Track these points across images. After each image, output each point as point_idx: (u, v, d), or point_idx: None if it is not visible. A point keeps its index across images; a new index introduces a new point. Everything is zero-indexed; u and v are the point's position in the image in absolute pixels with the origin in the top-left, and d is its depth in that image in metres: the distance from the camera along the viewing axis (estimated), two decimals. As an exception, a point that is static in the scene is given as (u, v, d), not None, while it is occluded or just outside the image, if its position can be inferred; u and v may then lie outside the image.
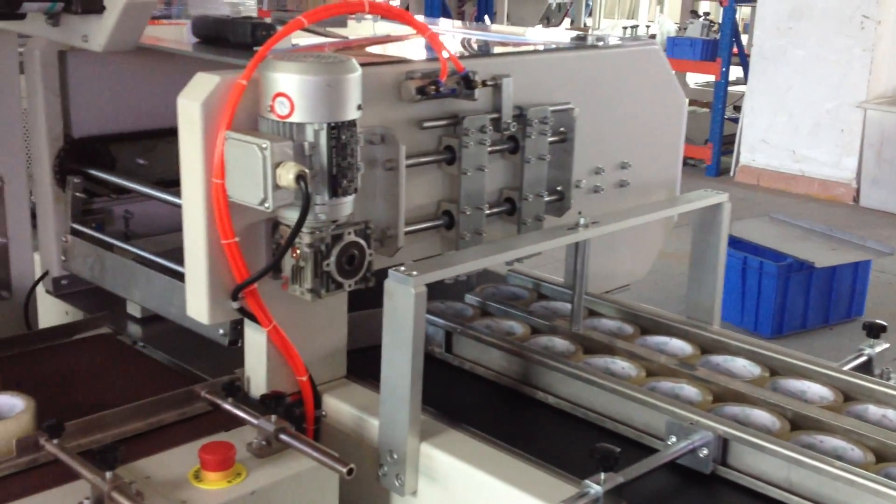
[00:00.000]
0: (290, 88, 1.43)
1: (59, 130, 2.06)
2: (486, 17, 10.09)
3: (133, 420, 1.56)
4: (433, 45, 1.68)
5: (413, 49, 2.11)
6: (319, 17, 1.57)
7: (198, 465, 1.43)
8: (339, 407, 1.66)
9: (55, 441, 1.43)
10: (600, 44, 2.05)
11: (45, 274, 2.13)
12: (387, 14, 1.66)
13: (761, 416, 1.54)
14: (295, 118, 1.44)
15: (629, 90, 2.08)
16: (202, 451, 1.43)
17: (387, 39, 2.19)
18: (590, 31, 2.12)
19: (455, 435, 1.54)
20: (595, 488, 1.29)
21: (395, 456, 1.51)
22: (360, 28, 2.34)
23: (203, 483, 1.42)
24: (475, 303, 2.03)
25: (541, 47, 2.13)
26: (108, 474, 1.33)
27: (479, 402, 1.73)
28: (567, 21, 14.20)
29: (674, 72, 2.22)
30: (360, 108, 1.50)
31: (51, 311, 2.15)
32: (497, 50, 2.09)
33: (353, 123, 1.49)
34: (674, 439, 1.46)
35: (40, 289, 2.15)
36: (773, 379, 1.69)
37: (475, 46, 2.28)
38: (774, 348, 1.77)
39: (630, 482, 1.33)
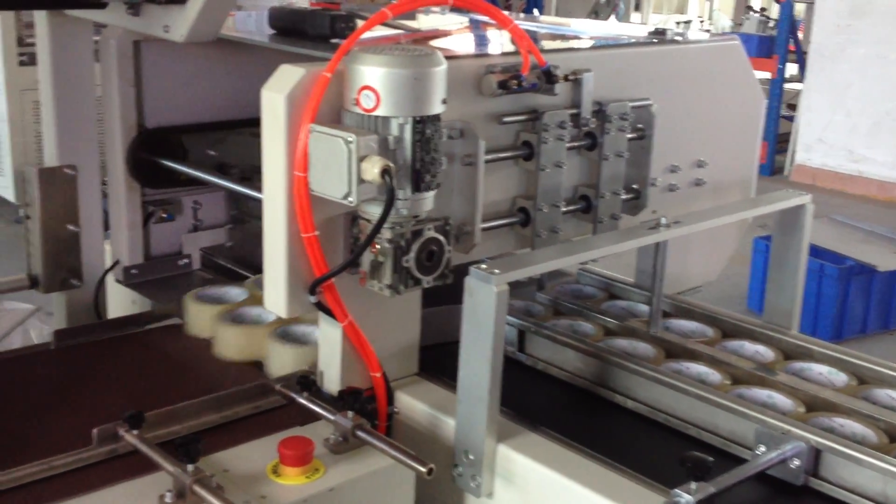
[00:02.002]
0: (376, 81, 1.41)
1: (132, 120, 2.07)
2: (535, 10, 10.02)
3: (209, 412, 1.56)
4: (516, 38, 1.65)
5: (475, 43, 2.09)
6: (404, 8, 1.55)
7: (276, 460, 1.43)
8: (412, 404, 1.64)
9: (135, 432, 1.43)
10: (680, 38, 2.01)
11: (116, 263, 2.14)
12: (471, 6, 1.63)
13: (854, 426, 1.49)
14: (380, 111, 1.42)
15: (708, 86, 2.04)
16: (281, 445, 1.42)
17: (464, 31, 2.16)
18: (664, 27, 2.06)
19: (533, 437, 1.51)
20: (686, 498, 1.25)
21: (472, 457, 1.48)
22: (426, 21, 2.32)
23: (281, 478, 1.41)
24: (546, 301, 2.00)
25: (619, 41, 2.08)
26: (190, 467, 1.32)
27: (553, 403, 1.70)
28: (614, 16, 14.07)
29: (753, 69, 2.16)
30: (444, 102, 1.47)
31: (120, 301, 2.16)
32: (578, 44, 2.05)
33: (437, 117, 1.46)
34: (763, 449, 1.42)
35: (110, 278, 2.16)
36: (863, 388, 1.64)
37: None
38: (860, 355, 1.72)
39: (720, 493, 1.29)
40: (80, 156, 2.07)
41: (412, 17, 2.28)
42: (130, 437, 1.43)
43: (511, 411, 1.56)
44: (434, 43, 1.97)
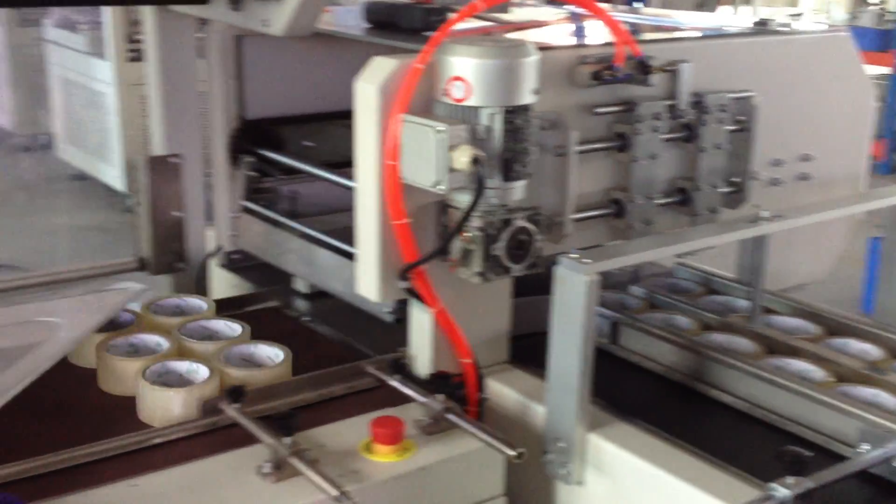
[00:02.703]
0: (467, 72, 1.45)
1: (233, 112, 2.16)
2: (639, 3, 9.87)
3: (305, 390, 1.62)
4: (611, 29, 1.66)
5: (570, 34, 2.09)
6: (495, 1, 1.57)
7: (368, 438, 1.48)
8: (502, 391, 1.67)
9: (236, 406, 1.51)
10: (784, 30, 1.98)
11: (219, 248, 2.24)
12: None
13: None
14: (471, 102, 1.45)
15: (814, 79, 2.00)
16: (374, 424, 1.47)
17: (543, 23, 2.18)
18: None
19: (625, 427, 1.52)
20: (782, 492, 1.24)
21: (562, 444, 1.50)
22: (521, 13, 2.34)
23: (374, 455, 1.46)
24: (642, 294, 1.99)
25: (716, 32, 2.07)
26: (288, 440, 1.39)
27: (647, 396, 1.70)
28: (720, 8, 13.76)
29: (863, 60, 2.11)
30: (535, 92, 1.50)
31: (221, 284, 2.26)
32: (674, 35, 2.05)
33: (528, 108, 1.49)
34: (867, 447, 1.40)
35: (212, 262, 2.25)
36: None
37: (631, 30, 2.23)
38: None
39: (819, 488, 1.27)
40: (184, 145, 2.16)
41: (505, 10, 2.31)
42: (231, 411, 1.50)
43: (603, 402, 1.57)
44: (527, 34, 2.00)
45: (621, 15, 2.36)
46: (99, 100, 6.29)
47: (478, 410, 1.65)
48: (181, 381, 1.59)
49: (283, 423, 1.40)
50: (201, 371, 1.60)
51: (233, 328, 1.80)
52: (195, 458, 1.45)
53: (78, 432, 1.50)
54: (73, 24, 6.39)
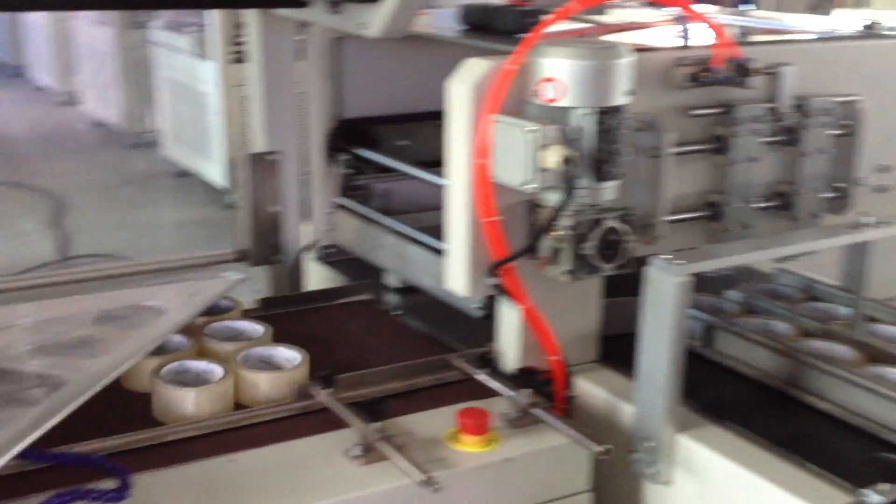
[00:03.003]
0: (558, 73, 1.47)
1: (331, 111, 2.23)
2: (750, 5, 9.69)
3: (394, 380, 1.67)
4: (710, 30, 1.67)
5: (669, 36, 2.09)
6: (591, 3, 1.60)
7: (454, 428, 1.52)
8: (590, 389, 1.68)
9: (327, 391, 1.56)
10: (893, 33, 1.94)
11: (314, 242, 2.31)
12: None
13: None
14: (563, 102, 1.48)
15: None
16: (460, 414, 1.51)
17: (644, 25, 2.18)
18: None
19: (714, 430, 1.52)
20: (875, 498, 1.23)
21: (651, 444, 1.51)
22: (620, 15, 2.35)
23: (459, 445, 1.50)
24: (738, 299, 1.97)
25: (821, 36, 2.04)
26: (376, 425, 1.44)
27: (739, 400, 1.68)
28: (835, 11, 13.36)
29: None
30: (629, 93, 1.51)
31: (315, 277, 2.33)
32: (776, 37, 2.03)
33: (621, 109, 1.51)
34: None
35: (307, 255, 2.33)
36: None
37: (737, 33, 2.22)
38: None
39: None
40: (283, 143, 2.25)
41: (603, 12, 2.32)
42: (322, 396, 1.56)
43: (695, 404, 1.57)
44: (623, 36, 2.01)
45: (729, 18, 2.35)
46: (203, 100, 6.51)
47: (566, 408, 1.67)
48: (197, 381, 1.60)
49: (373, 410, 1.45)
50: (216, 371, 1.62)
51: (256, 329, 1.81)
52: (288, 439, 1.51)
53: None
54: (180, 26, 6.63)
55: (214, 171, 6.57)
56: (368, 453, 1.44)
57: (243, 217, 2.22)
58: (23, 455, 1.32)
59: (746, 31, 2.26)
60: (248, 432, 1.54)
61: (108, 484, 1.32)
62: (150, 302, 1.85)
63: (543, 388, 1.63)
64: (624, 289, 1.68)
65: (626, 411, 1.58)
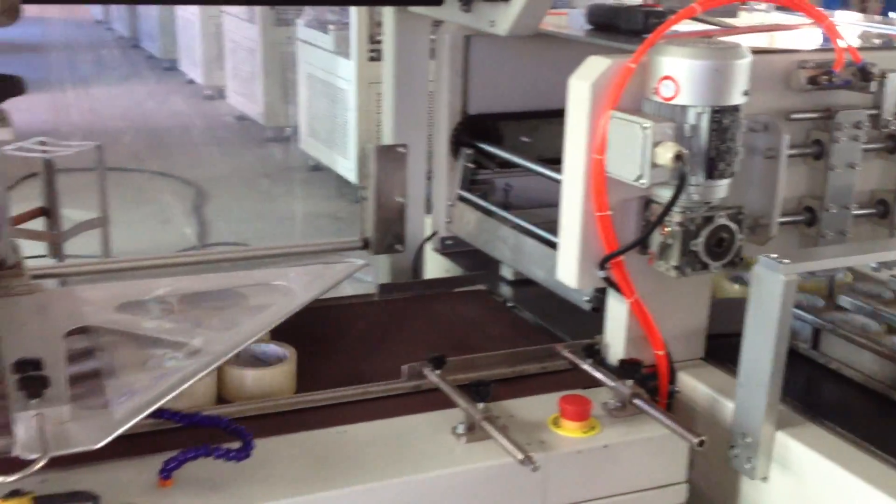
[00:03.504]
0: (677, 72, 1.50)
1: (457, 107, 2.30)
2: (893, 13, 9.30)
3: (501, 365, 1.73)
4: (829, 34, 1.66)
5: (801, 40, 2.07)
6: (713, 4, 1.62)
7: (556, 413, 1.57)
8: (694, 385, 1.70)
9: (437, 372, 1.64)
10: None
11: (434, 234, 2.40)
12: (784, 2, 1.67)
13: None
14: (679, 101, 1.51)
15: None
16: (562, 400, 1.56)
17: (775, 28, 2.17)
18: None
19: (815, 429, 1.52)
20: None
21: (749, 439, 1.53)
22: (749, 18, 2.34)
23: (560, 429, 1.55)
24: (847, 303, 1.95)
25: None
26: (481, 405, 1.50)
27: (842, 402, 1.68)
28: None
29: None
30: (746, 94, 1.53)
31: (434, 267, 2.42)
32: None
33: (736, 108, 1.52)
34: None
35: (428, 246, 2.42)
36: None
37: (876, 40, 2.18)
38: None
39: None
40: (411, 136, 2.34)
41: (734, 14, 2.31)
42: (433, 376, 1.64)
43: (797, 403, 1.58)
44: (745, 38, 2.00)
45: (869, 25, 2.31)
46: (340, 96, 6.73)
47: (668, 402, 1.70)
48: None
49: (478, 391, 1.51)
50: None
51: None
52: (398, 415, 1.59)
53: (297, 381, 1.69)
54: (323, 24, 6.88)
55: (347, 166, 6.78)
56: (472, 432, 1.51)
57: (369, 207, 2.32)
58: (158, 414, 1.44)
59: (888, 39, 2.22)
60: (360, 406, 1.63)
61: (232, 445, 1.43)
62: (277, 281, 1.97)
63: (647, 381, 1.65)
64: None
65: (728, 408, 1.59)
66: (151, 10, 11.82)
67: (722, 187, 1.56)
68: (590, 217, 1.62)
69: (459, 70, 2.27)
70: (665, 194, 1.55)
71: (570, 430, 1.54)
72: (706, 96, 1.49)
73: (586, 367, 1.71)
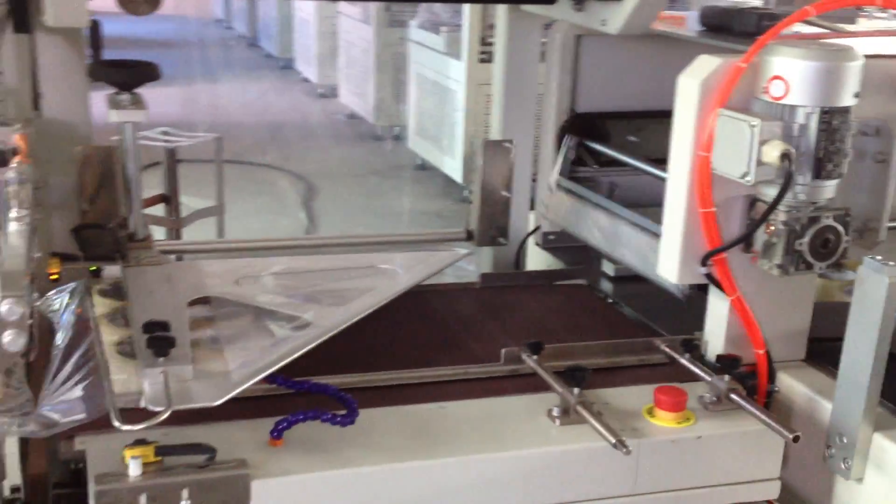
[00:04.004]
0: (787, 72, 1.51)
1: (565, 105, 2.35)
2: None
3: (598, 356, 1.77)
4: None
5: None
6: (828, 7, 1.62)
7: (651, 404, 1.60)
8: (793, 386, 1.70)
9: (534, 357, 1.69)
10: None
11: (537, 228, 2.44)
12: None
13: None
14: (788, 100, 1.52)
15: None
16: (658, 391, 1.58)
17: (888, 33, 2.14)
18: None
19: (911, 431, 1.51)
20: None
21: (845, 440, 1.53)
22: (868, 25, 2.31)
23: (655, 419, 1.57)
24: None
25: None
26: (576, 390, 1.54)
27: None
28: None
29: None
30: (856, 96, 1.53)
31: (535, 261, 2.46)
32: None
33: (846, 110, 1.52)
34: None
35: (530, 241, 2.47)
36: None
37: None
38: None
39: None
40: (518, 133, 2.39)
41: (853, 21, 2.29)
42: (530, 361, 1.69)
43: (894, 406, 1.57)
44: (860, 41, 1.99)
45: None
46: (449, 96, 6.84)
47: (766, 401, 1.70)
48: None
49: (575, 375, 1.55)
50: None
51: None
52: (495, 395, 1.65)
53: (401, 359, 1.76)
54: (436, 25, 7.00)
55: (453, 165, 6.88)
56: (567, 415, 1.56)
57: (475, 199, 2.38)
58: (271, 380, 1.53)
59: None
60: (458, 386, 1.69)
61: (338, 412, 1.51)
62: (385, 265, 2.05)
63: (745, 379, 1.66)
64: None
65: (826, 409, 1.59)
66: (270, 11, 12.21)
67: (829, 188, 1.56)
68: (693, 213, 1.64)
69: (569, 68, 2.31)
70: (771, 193, 1.56)
71: (664, 420, 1.57)
72: (816, 97, 1.50)
73: (684, 361, 1.73)
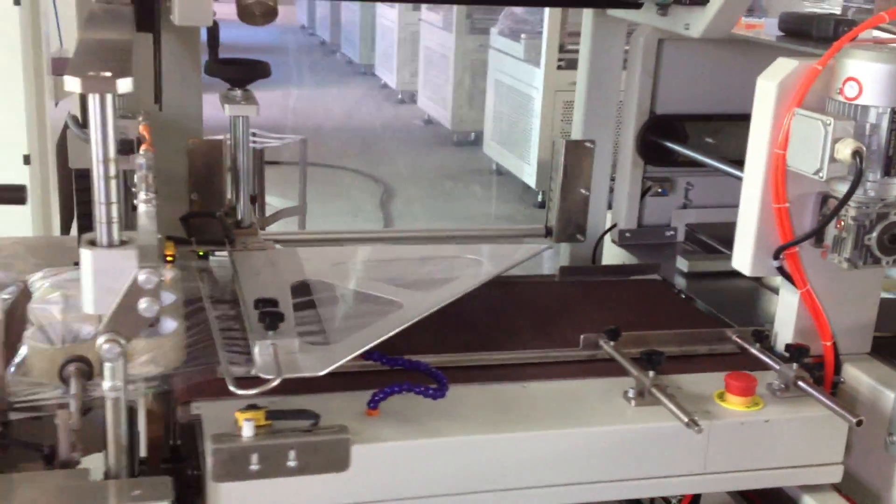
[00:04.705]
0: (861, 74, 1.59)
1: (646, 107, 2.44)
2: None
3: (671, 343, 1.85)
4: None
5: None
6: (900, 12, 1.69)
7: (722, 389, 1.68)
8: (858, 377, 1.77)
9: (612, 343, 1.79)
10: None
11: (614, 226, 2.54)
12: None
13: None
14: (861, 101, 1.59)
15: None
16: (728, 376, 1.67)
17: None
18: None
19: (973, 421, 1.58)
20: None
21: (907, 429, 1.60)
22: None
23: (725, 403, 1.66)
24: None
25: None
26: (651, 373, 1.64)
27: None
28: None
29: None
30: (927, 97, 1.60)
31: (612, 259, 2.56)
32: None
33: (917, 111, 1.60)
34: None
35: (607, 237, 2.56)
36: None
37: None
38: None
39: None
40: (599, 133, 2.50)
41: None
42: (607, 347, 1.79)
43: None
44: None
45: None
46: (526, 103, 6.95)
47: (832, 392, 1.77)
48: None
49: (650, 359, 1.65)
50: None
51: None
52: (576, 378, 1.75)
53: (483, 340, 1.88)
54: (516, 33, 7.12)
55: (528, 171, 6.99)
56: (642, 397, 1.65)
57: (555, 197, 2.49)
58: (368, 356, 1.66)
59: None
60: (540, 368, 1.80)
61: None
62: (469, 255, 2.17)
63: (813, 370, 1.74)
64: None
65: (890, 398, 1.67)
66: (353, 18, 12.49)
67: (899, 185, 1.63)
68: (767, 209, 1.73)
69: (650, 72, 2.41)
70: (842, 189, 1.63)
71: (734, 404, 1.65)
72: (888, 98, 1.57)
73: (754, 350, 1.81)
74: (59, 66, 3.75)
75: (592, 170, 2.46)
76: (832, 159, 1.59)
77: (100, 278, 1.31)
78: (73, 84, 1.24)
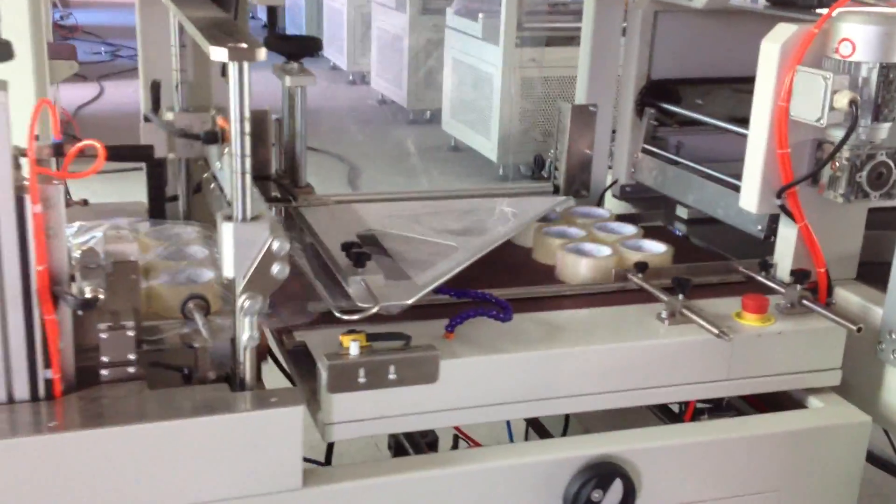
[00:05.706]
0: (855, 34, 1.88)
1: (643, 72, 2.71)
2: None
3: (687, 275, 2.12)
4: None
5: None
6: (882, -17, 1.99)
7: (738, 310, 1.97)
8: (847, 297, 2.08)
9: (640, 275, 2.06)
10: None
11: (615, 182, 2.82)
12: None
13: None
14: (854, 58, 1.89)
15: None
16: (745, 297, 1.96)
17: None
18: None
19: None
20: None
21: (895, 335, 1.91)
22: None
23: (743, 320, 1.95)
24: None
25: None
26: (681, 296, 1.92)
27: None
28: None
29: None
30: (910, 54, 1.90)
31: (614, 210, 2.83)
32: None
33: (901, 66, 1.90)
34: None
35: (609, 193, 2.84)
36: None
37: None
38: None
39: None
40: (600, 97, 2.76)
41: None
42: (636, 279, 2.06)
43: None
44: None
45: None
46: (486, 81, 7.20)
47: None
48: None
49: (680, 283, 1.93)
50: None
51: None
52: (611, 305, 2.02)
53: (527, 278, 2.14)
54: (474, 12, 7.35)
55: (488, 146, 7.25)
56: (674, 317, 1.93)
57: (561, 157, 2.75)
58: (441, 291, 1.90)
59: None
60: (578, 298, 2.07)
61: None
62: (503, 207, 2.42)
63: (810, 294, 2.04)
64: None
65: (877, 313, 1.98)
66: (298, 1, 12.55)
67: (884, 129, 1.93)
68: (771, 154, 2.01)
69: (647, 41, 2.68)
70: (838, 134, 1.93)
71: (751, 321, 1.94)
72: (878, 54, 1.87)
73: (760, 278, 2.10)
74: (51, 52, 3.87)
75: (595, 131, 2.73)
76: (831, 108, 1.88)
77: (239, 247, 1.53)
78: (219, 54, 1.46)
